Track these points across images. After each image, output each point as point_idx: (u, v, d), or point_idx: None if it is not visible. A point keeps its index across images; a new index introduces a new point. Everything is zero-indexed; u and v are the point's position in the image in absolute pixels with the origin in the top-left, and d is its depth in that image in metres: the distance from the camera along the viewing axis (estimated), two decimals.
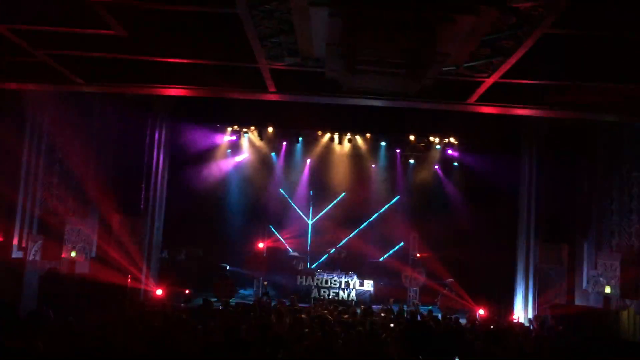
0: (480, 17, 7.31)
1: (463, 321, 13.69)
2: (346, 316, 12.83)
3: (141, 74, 11.30)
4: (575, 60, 9.36)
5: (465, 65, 9.34)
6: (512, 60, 8.98)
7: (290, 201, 20.90)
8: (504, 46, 8.58)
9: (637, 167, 13.91)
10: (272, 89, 11.54)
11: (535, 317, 16.15)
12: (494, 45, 8.60)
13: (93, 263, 15.27)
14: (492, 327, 12.71)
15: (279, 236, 20.62)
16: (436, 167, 20.56)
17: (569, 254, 16.57)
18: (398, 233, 20.35)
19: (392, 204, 20.83)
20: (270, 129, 19.65)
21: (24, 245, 13.58)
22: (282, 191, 20.90)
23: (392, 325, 11.80)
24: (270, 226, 20.34)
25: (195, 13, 8.51)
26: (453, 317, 13.31)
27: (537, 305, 16.63)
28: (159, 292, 16.37)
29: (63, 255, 14.11)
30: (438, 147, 20.10)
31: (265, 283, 18.46)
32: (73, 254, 14.39)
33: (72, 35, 9.34)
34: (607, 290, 14.07)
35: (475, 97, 11.00)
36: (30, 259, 13.32)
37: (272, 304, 14.98)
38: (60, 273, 14.12)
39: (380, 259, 20.46)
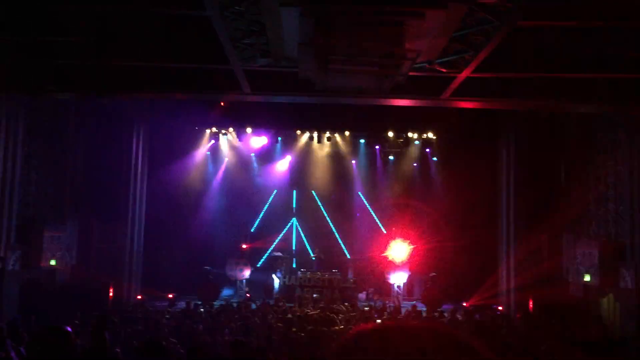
0: (449, 12, 7.38)
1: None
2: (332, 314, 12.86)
3: (113, 79, 11.23)
4: (545, 53, 9.48)
5: (438, 61, 9.41)
6: (482, 55, 9.07)
7: (269, 201, 20.79)
8: (474, 41, 8.67)
9: (612, 156, 14.08)
10: (248, 91, 11.53)
11: (517, 307, 16.33)
12: (464, 41, 8.69)
13: (74, 270, 15.13)
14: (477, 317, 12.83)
15: (260, 237, 20.54)
16: (415, 164, 20.58)
17: (549, 244, 16.80)
18: (380, 230, 20.43)
19: (373, 201, 20.83)
20: (249, 130, 19.55)
21: (2, 255, 13.38)
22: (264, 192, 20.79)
23: (378, 321, 11.90)
24: (252, 227, 20.29)
25: (166, 16, 8.51)
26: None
27: (519, 295, 16.77)
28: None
29: (43, 264, 13.93)
30: (417, 142, 20.18)
31: (247, 289, 18.42)
32: (53, 262, 14.21)
33: (42, 42, 9.27)
34: (587, 278, 14.26)
35: (449, 92, 11.09)
36: (9, 269, 13.14)
37: (257, 304, 14.97)
38: (40, 282, 13.97)
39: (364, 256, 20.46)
